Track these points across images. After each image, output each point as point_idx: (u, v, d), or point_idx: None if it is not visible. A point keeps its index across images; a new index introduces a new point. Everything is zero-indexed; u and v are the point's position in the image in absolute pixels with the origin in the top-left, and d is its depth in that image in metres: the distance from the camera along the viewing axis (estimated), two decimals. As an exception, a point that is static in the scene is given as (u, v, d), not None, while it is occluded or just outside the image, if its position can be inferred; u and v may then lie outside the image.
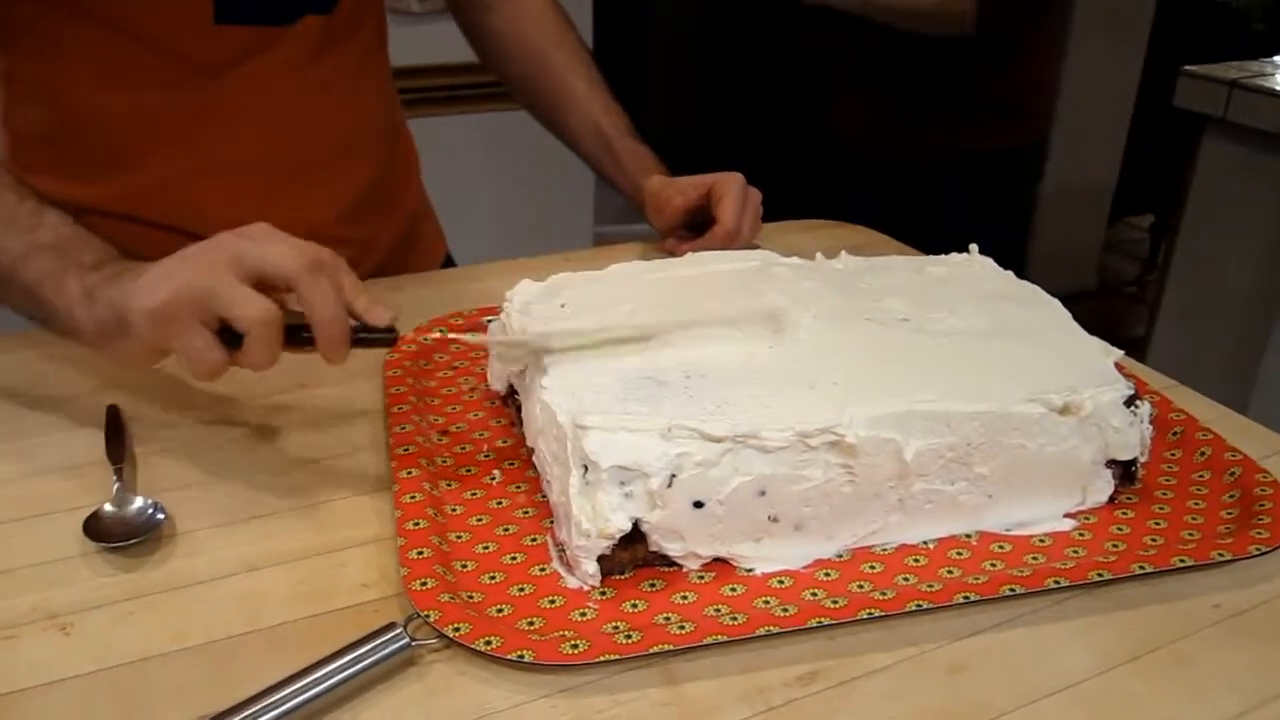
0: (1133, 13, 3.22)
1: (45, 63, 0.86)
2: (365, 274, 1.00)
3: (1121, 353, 0.69)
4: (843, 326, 0.69)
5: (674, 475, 0.56)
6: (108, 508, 0.63)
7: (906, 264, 0.81)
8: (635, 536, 0.58)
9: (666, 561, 0.59)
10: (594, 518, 0.56)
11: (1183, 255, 2.06)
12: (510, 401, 0.73)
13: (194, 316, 0.60)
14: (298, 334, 0.62)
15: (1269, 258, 1.87)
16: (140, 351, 0.65)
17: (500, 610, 0.56)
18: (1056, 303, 0.75)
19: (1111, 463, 0.65)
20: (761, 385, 0.62)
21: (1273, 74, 1.87)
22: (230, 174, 0.91)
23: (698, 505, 0.57)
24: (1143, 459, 0.66)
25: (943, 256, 0.82)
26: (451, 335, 0.73)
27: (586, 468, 0.57)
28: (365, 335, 0.64)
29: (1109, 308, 3.28)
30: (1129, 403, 0.65)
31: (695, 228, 0.98)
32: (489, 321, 0.82)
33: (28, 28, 0.83)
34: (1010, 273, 0.79)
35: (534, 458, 0.66)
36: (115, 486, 0.65)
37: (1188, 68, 1.92)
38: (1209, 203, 1.98)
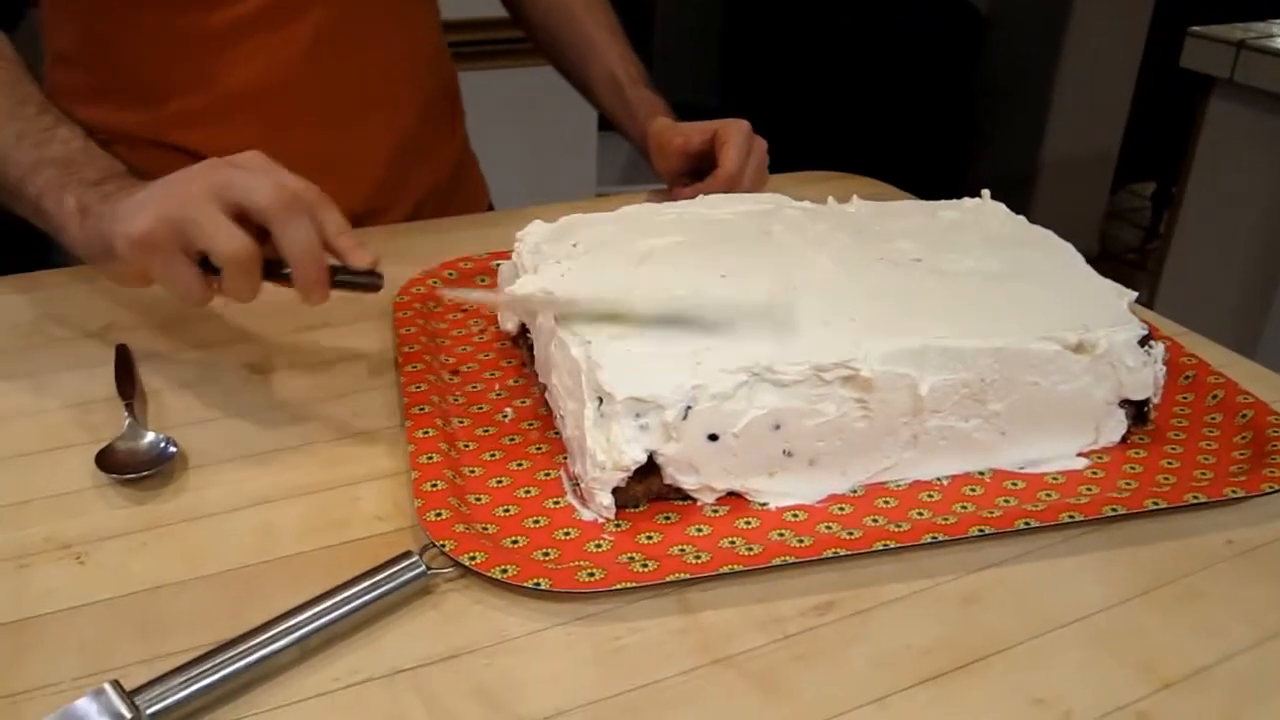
0: (1138, -23, 3.20)
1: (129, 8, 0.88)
2: (400, 217, 1.02)
3: (1135, 294, 0.69)
4: (856, 267, 0.69)
5: (689, 407, 0.56)
6: (120, 442, 0.63)
7: (918, 208, 0.81)
8: (650, 469, 0.57)
9: (681, 495, 0.59)
10: (609, 449, 0.56)
11: (1187, 219, 2.05)
12: (521, 341, 0.72)
13: (174, 245, 0.60)
14: (279, 269, 0.62)
15: (1274, 221, 1.87)
16: (128, 275, 0.65)
17: (515, 541, 0.56)
18: (1069, 246, 0.75)
19: (1125, 402, 0.65)
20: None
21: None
22: (260, 106, 0.92)
23: (712, 438, 0.57)
24: (1155, 399, 0.66)
25: (954, 201, 0.81)
26: (448, 293, 0.73)
27: (601, 400, 0.57)
28: (346, 278, 0.63)
29: (1110, 274, 3.23)
30: (1143, 343, 0.64)
31: (700, 176, 0.97)
32: (498, 266, 0.82)
33: None
34: (1022, 217, 0.79)
35: (546, 394, 0.66)
36: (126, 421, 0.65)
37: (1194, 29, 1.91)
38: (1215, 165, 1.97)
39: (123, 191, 0.65)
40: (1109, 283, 0.70)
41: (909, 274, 0.69)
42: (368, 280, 0.64)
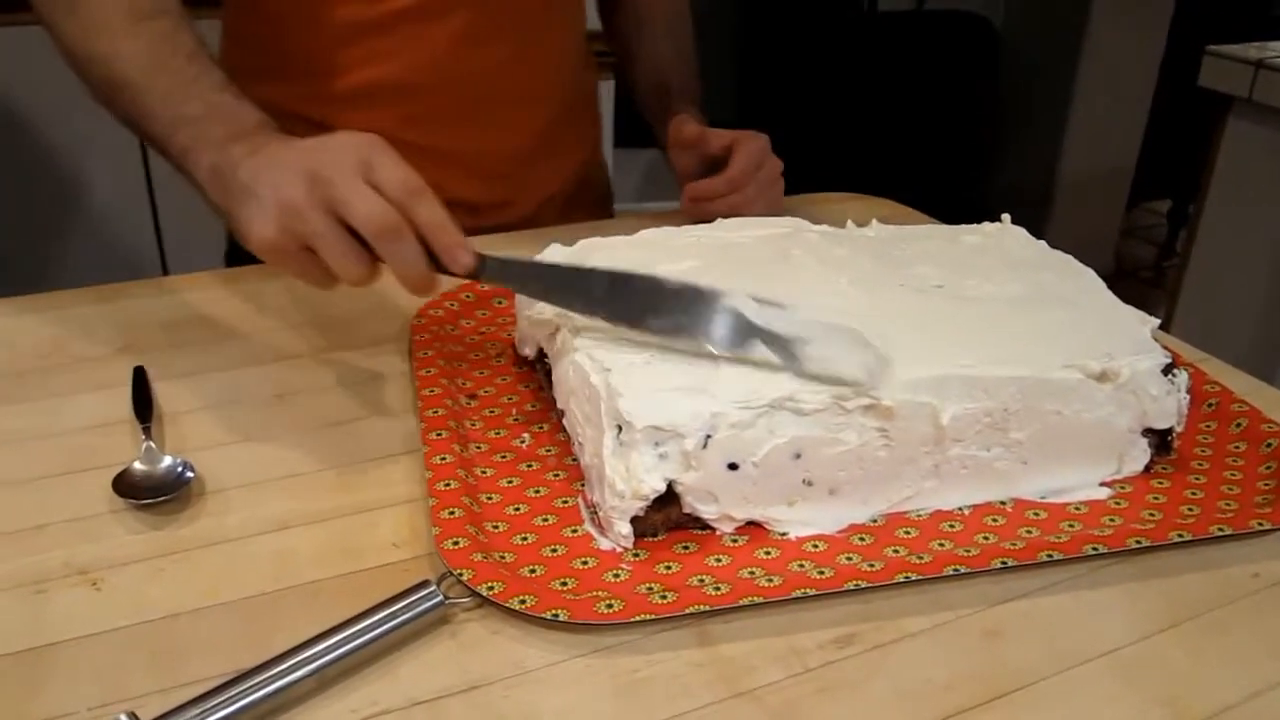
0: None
1: None
2: (520, 214, 1.06)
3: (1157, 321, 0.68)
4: (877, 293, 0.69)
5: (709, 436, 0.56)
6: (137, 465, 0.63)
7: (938, 232, 0.81)
8: (669, 498, 0.57)
9: (699, 524, 0.59)
10: (627, 478, 0.56)
11: (1205, 238, 2.04)
12: (539, 366, 0.72)
13: (300, 252, 0.63)
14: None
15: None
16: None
17: (533, 570, 0.56)
18: (1090, 272, 0.74)
19: (1148, 431, 0.65)
20: (796, 348, 0.61)
21: (1299, 54, 1.86)
22: (401, 95, 0.96)
23: (732, 467, 0.57)
24: (1179, 428, 0.65)
25: (974, 225, 0.81)
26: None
27: (620, 428, 0.56)
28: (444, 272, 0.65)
29: (1126, 293, 3.21)
30: (1166, 371, 0.64)
31: None
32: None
33: None
34: (1043, 242, 0.78)
35: (564, 420, 0.65)
36: (144, 445, 0.65)
37: (1212, 47, 1.90)
38: (1232, 184, 1.97)
39: (249, 156, 0.66)
40: (1131, 309, 0.70)
41: (930, 300, 0.68)
42: (465, 275, 0.65)
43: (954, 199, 3.11)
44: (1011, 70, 3.29)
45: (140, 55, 0.74)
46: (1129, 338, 0.65)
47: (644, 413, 0.56)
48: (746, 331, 0.61)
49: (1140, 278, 3.41)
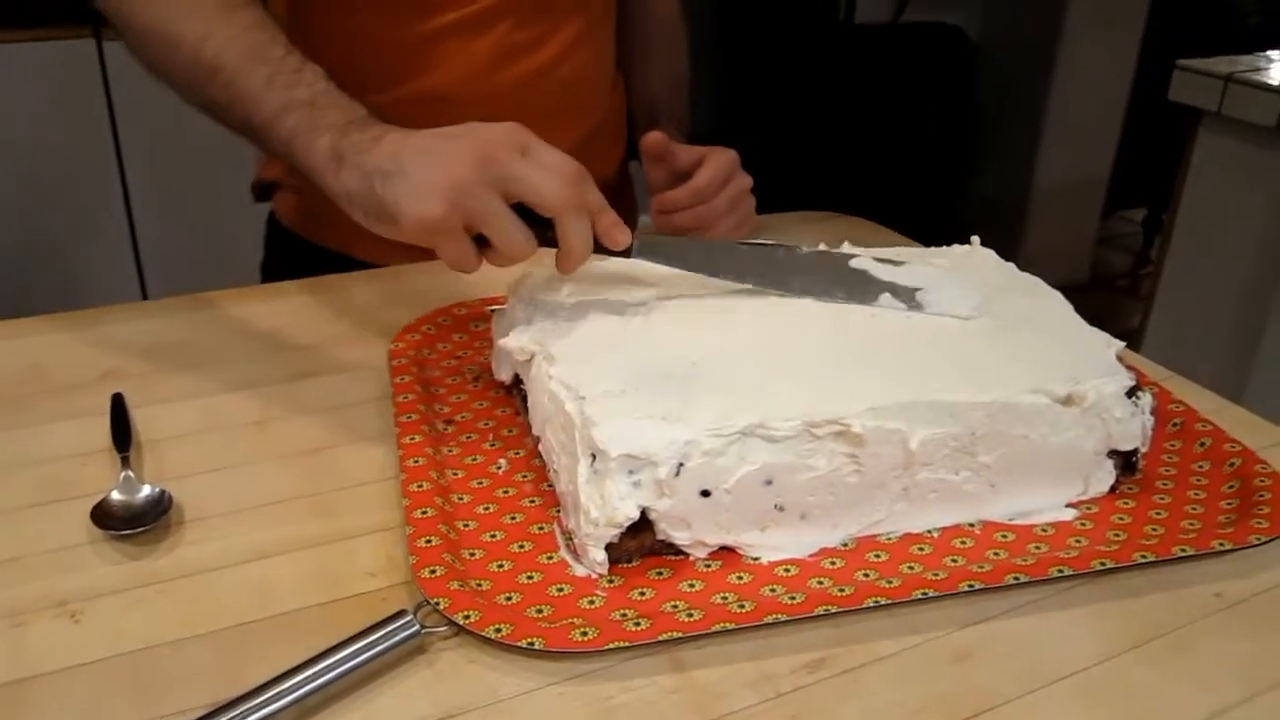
0: (1126, 8, 3.23)
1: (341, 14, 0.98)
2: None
3: (1123, 344, 0.69)
4: (847, 316, 0.70)
5: (682, 464, 0.57)
6: (115, 495, 0.63)
7: (909, 254, 0.82)
8: (643, 525, 0.58)
9: (673, 550, 0.60)
10: (602, 506, 0.57)
11: (1177, 249, 2.06)
12: (515, 390, 0.73)
13: (462, 231, 0.65)
14: (542, 234, 0.66)
15: (1263, 252, 1.88)
16: (397, 236, 0.66)
17: (509, 598, 0.56)
18: (1058, 294, 0.76)
19: (1113, 453, 0.66)
20: (768, 375, 0.62)
21: (1267, 68, 1.88)
22: (443, 107, 0.94)
23: (705, 494, 0.58)
24: (1144, 449, 0.67)
25: (945, 248, 0.82)
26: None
27: (595, 456, 0.57)
28: (600, 250, 0.68)
29: (1102, 301, 3.29)
30: (1131, 393, 0.65)
31: None
32: (493, 311, 0.82)
33: None
34: (1012, 264, 0.80)
35: (540, 446, 0.66)
36: (122, 474, 0.65)
37: (1183, 61, 1.93)
38: (1204, 197, 1.99)
39: (375, 142, 0.67)
40: (1098, 332, 0.71)
41: (899, 324, 0.69)
42: (619, 254, 0.69)
43: (931, 207, 3.14)
44: (987, 81, 3.32)
45: (238, 40, 0.75)
46: (1095, 360, 0.67)
47: (618, 441, 0.56)
48: (875, 286, 0.72)
49: (1116, 286, 3.44)
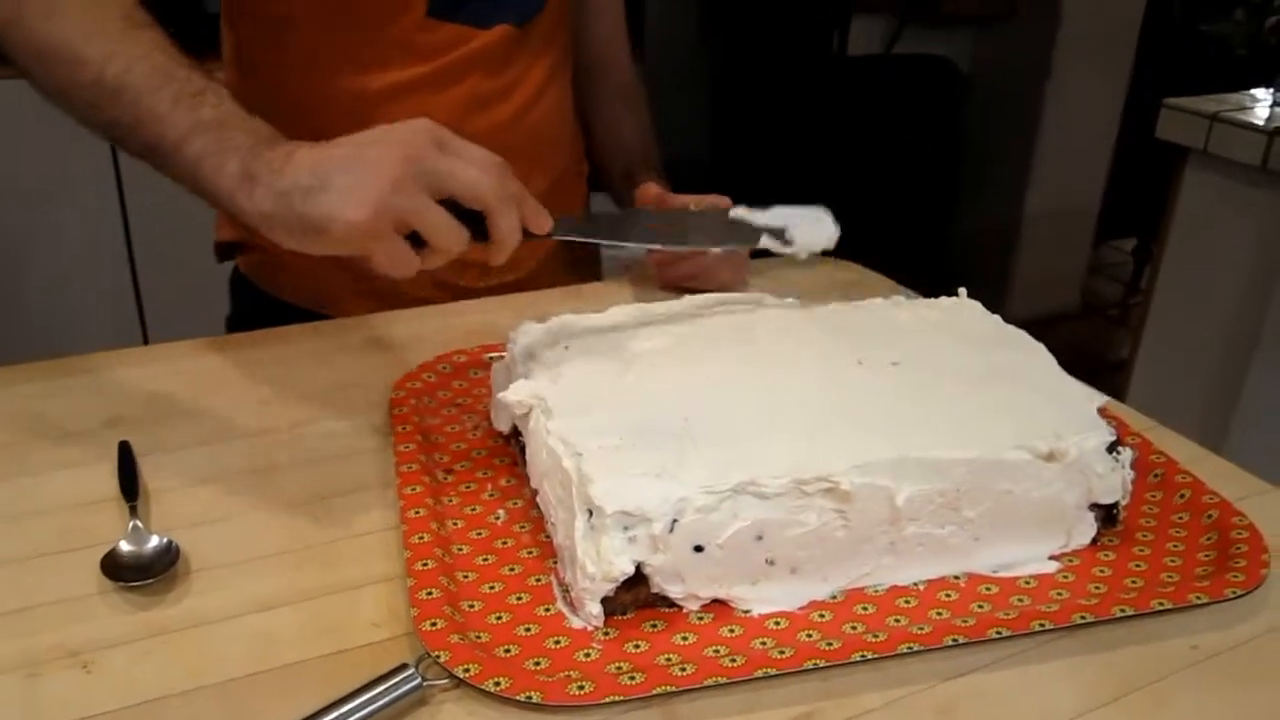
0: (1116, 41, 3.27)
1: (273, 49, 0.98)
2: (511, 277, 1.10)
3: (1105, 398, 0.72)
4: (836, 372, 0.72)
5: (675, 520, 0.59)
6: (124, 546, 0.65)
7: (897, 306, 0.84)
8: (638, 579, 0.60)
9: (667, 602, 0.61)
10: (598, 561, 0.58)
11: (1166, 283, 2.09)
12: (514, 441, 0.75)
13: (395, 230, 0.66)
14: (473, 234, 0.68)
15: (1250, 286, 1.91)
16: (326, 249, 0.67)
17: (508, 650, 0.58)
18: (1042, 348, 0.78)
19: (1094, 506, 0.68)
20: (759, 431, 0.64)
21: (1252, 107, 1.92)
22: None
23: (698, 549, 0.60)
24: (1124, 502, 0.69)
25: (932, 300, 0.84)
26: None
27: (591, 512, 0.59)
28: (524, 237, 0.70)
29: (1093, 330, 3.33)
30: (1111, 448, 0.67)
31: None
32: (491, 359, 0.84)
33: (259, 13, 0.86)
34: (997, 316, 0.82)
35: (538, 498, 0.68)
36: (131, 524, 0.67)
37: (1169, 100, 1.96)
38: (1191, 232, 2.02)
39: (288, 158, 0.68)
40: (1080, 385, 0.73)
41: (887, 379, 0.71)
42: (541, 238, 0.72)
43: (923, 236, 3.17)
44: (978, 112, 3.36)
45: (143, 60, 0.74)
46: (1077, 415, 0.69)
47: (614, 498, 0.58)
48: (755, 231, 0.80)
49: (1107, 315, 3.46)
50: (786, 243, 0.80)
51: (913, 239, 3.14)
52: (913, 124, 3.22)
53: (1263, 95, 2.00)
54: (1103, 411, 0.71)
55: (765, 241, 0.80)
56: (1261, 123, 1.81)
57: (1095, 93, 3.28)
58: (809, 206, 0.83)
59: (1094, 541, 0.69)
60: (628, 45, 1.22)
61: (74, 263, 2.26)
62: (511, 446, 0.76)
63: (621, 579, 0.59)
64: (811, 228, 0.82)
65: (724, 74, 3.26)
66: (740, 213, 0.82)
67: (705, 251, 0.97)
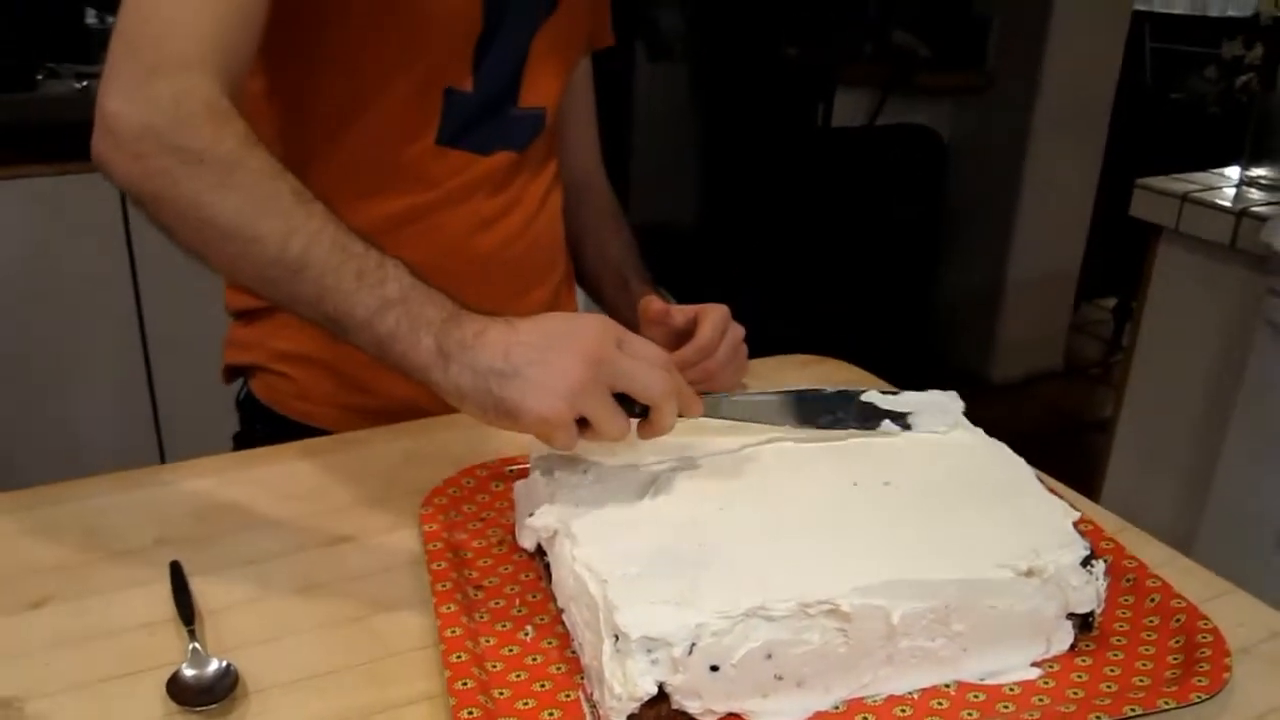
0: (1091, 110, 3.38)
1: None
2: None
3: (1079, 514, 0.78)
4: (834, 496, 0.79)
5: (694, 644, 0.65)
6: (186, 670, 0.71)
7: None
8: (660, 697, 0.66)
9: (687, 717, 0.68)
10: (624, 682, 0.65)
11: (1144, 349, 2.17)
12: (539, 558, 0.81)
13: (574, 423, 0.73)
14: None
15: (1223, 357, 1.99)
16: (514, 430, 0.74)
17: (543, 766, 0.64)
18: (1020, 461, 0.85)
19: (1071, 615, 0.74)
20: (766, 556, 0.71)
21: (1220, 187, 2.00)
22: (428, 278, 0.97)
23: (714, 669, 0.66)
24: (1099, 610, 0.75)
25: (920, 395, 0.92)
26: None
27: (617, 637, 0.65)
28: None
29: (1076, 390, 3.41)
30: (1086, 562, 0.74)
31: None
32: (511, 471, 0.91)
33: (277, 153, 0.90)
34: (980, 429, 0.89)
35: (564, 617, 0.74)
36: (191, 646, 0.73)
37: (1141, 181, 2.05)
38: (1166, 303, 2.11)
39: (479, 337, 0.74)
40: (1056, 501, 0.80)
41: (880, 501, 0.78)
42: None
43: (910, 301, 3.26)
44: (960, 178, 3.46)
45: (319, 235, 0.76)
46: (1053, 531, 0.76)
47: (638, 625, 0.65)
48: (879, 414, 0.89)
49: (1089, 374, 3.55)
50: (906, 427, 0.89)
51: (899, 303, 3.23)
52: (897, 190, 3.32)
53: (1232, 174, 2.09)
54: (1078, 524, 0.77)
55: (885, 425, 0.89)
56: (1229, 204, 1.90)
57: (1073, 159, 3.38)
58: (941, 393, 0.91)
59: (1072, 647, 0.75)
60: (603, 169, 1.32)
61: (88, 375, 2.29)
62: (536, 562, 0.82)
63: (646, 698, 0.65)
64: (933, 416, 0.89)
65: (713, 145, 3.36)
66: (873, 397, 0.90)
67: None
